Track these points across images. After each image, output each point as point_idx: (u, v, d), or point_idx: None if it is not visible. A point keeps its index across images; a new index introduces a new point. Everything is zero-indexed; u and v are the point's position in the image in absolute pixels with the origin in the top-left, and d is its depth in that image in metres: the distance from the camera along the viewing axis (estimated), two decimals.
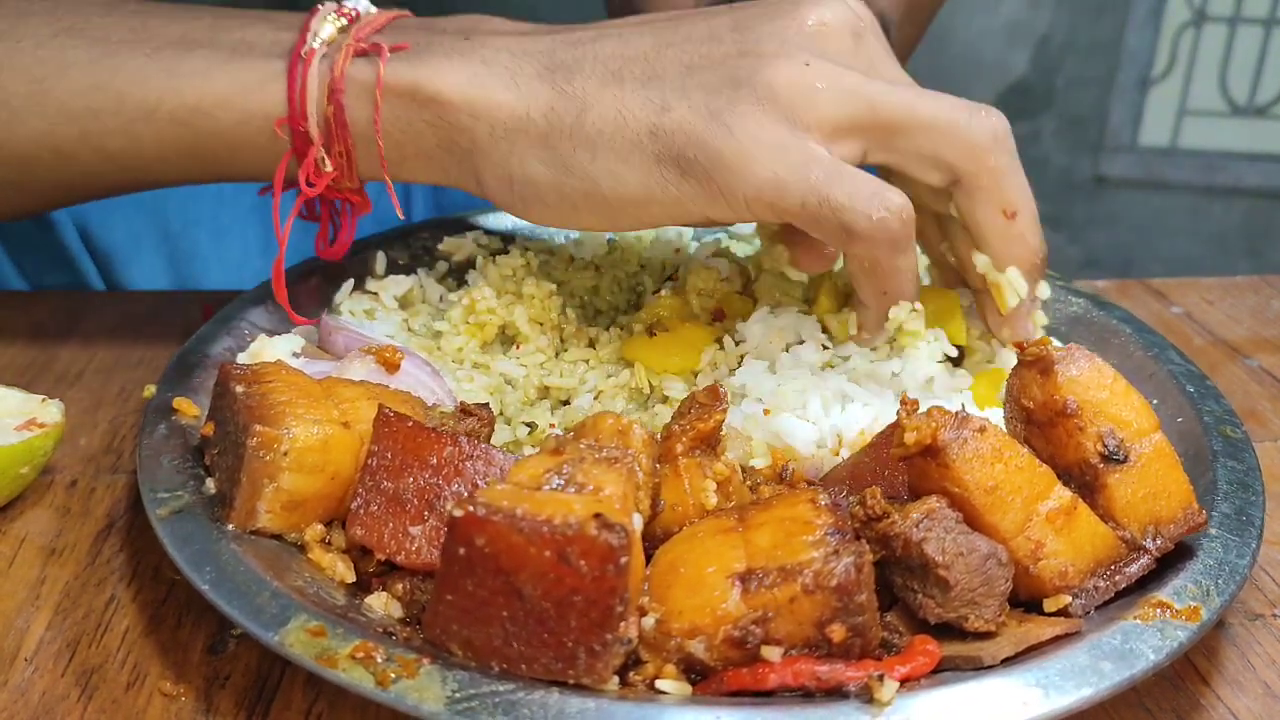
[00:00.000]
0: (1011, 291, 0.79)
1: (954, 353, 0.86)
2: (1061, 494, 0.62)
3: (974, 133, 0.75)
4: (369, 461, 0.63)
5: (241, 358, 0.82)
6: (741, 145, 0.72)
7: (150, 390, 0.77)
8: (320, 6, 0.83)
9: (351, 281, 0.93)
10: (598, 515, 0.52)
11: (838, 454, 0.75)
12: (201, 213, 1.23)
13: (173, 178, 0.89)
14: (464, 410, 0.71)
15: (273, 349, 0.82)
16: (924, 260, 0.91)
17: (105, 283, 1.21)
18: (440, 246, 1.00)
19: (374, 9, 0.84)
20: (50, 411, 0.76)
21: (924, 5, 1.17)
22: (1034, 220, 0.78)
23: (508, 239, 1.03)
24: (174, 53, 0.82)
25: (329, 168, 0.82)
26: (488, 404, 0.72)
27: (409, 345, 0.86)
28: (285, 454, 0.63)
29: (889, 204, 0.72)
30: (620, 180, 0.76)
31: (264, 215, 1.25)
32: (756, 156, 0.72)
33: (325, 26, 0.81)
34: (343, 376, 0.75)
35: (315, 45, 0.81)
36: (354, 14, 0.83)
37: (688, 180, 0.74)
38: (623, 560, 0.52)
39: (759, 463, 0.75)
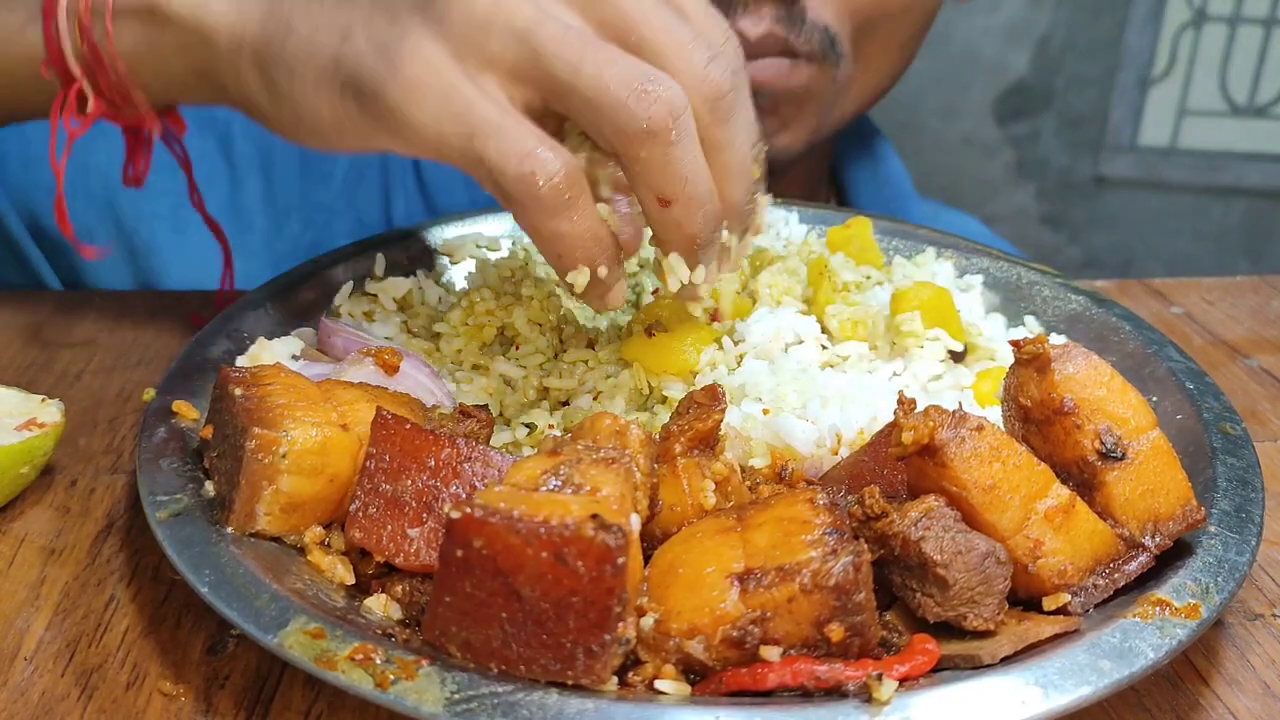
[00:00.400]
0: (673, 276, 0.75)
1: (959, 348, 0.86)
2: (1060, 492, 0.62)
3: (627, 120, 0.66)
4: (367, 464, 0.63)
5: (241, 361, 0.82)
6: (405, 87, 0.67)
7: (150, 393, 0.77)
8: None
9: (351, 283, 0.93)
10: (595, 516, 0.52)
11: (837, 453, 0.75)
12: (159, 208, 1.22)
13: None
14: (463, 412, 0.71)
15: (271, 351, 0.82)
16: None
17: (60, 279, 1.21)
18: (439, 248, 1.00)
19: None
20: (50, 411, 0.76)
21: (887, 18, 1.15)
22: (693, 206, 0.70)
23: (507, 240, 1.03)
24: None
25: (92, 105, 0.82)
26: (486, 406, 0.72)
27: (408, 347, 0.86)
28: (284, 456, 0.63)
29: (537, 166, 0.66)
30: (315, 109, 0.73)
31: (234, 210, 1.25)
32: (419, 101, 0.67)
33: None
34: (341, 379, 0.75)
35: None
36: None
37: (365, 115, 0.70)
38: (620, 561, 0.52)
39: (758, 462, 0.75)
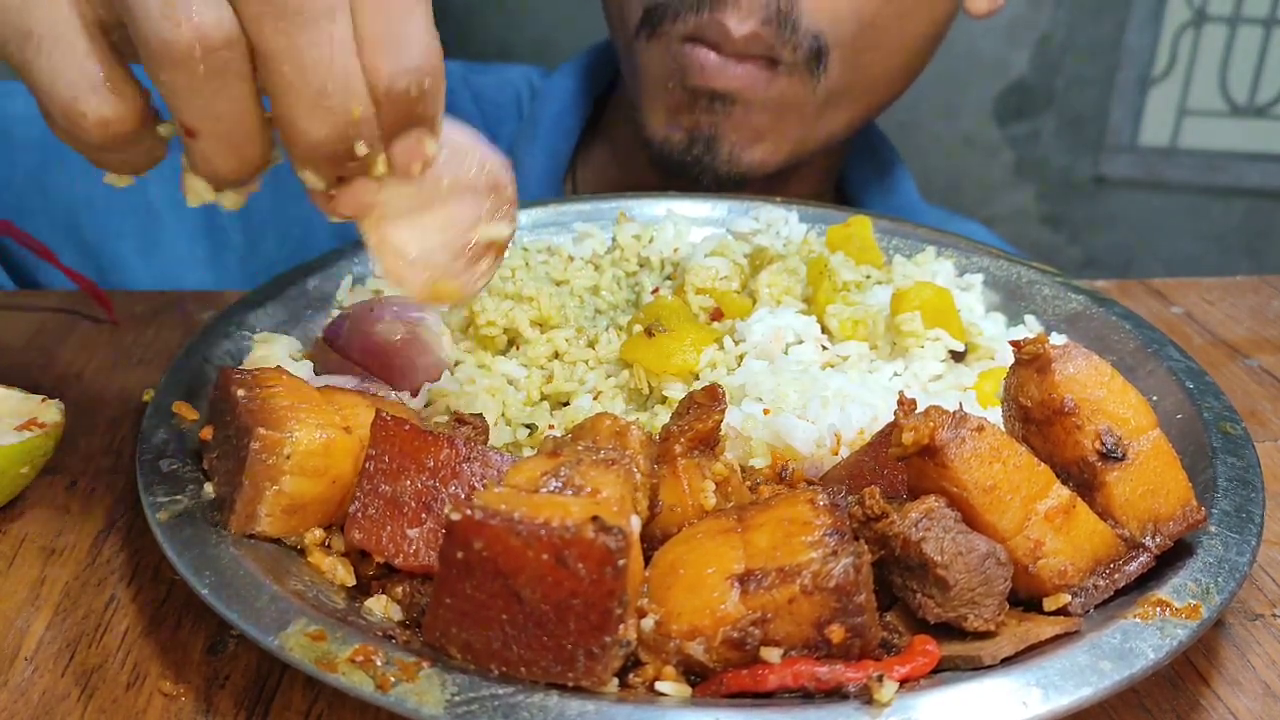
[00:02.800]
0: (192, 193, 0.63)
1: (959, 347, 0.86)
2: (1060, 492, 0.62)
3: (151, 36, 0.55)
4: (366, 465, 0.63)
5: (246, 362, 0.82)
6: None
7: (149, 394, 0.77)
8: None
9: (350, 277, 0.93)
10: (595, 518, 0.52)
11: (837, 454, 0.75)
12: (125, 226, 1.21)
13: None
14: (458, 420, 0.71)
15: (272, 351, 0.82)
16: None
17: (17, 284, 1.20)
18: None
19: None
20: (50, 411, 0.76)
21: (886, 28, 1.13)
22: (222, 144, 0.59)
23: None
24: None
25: None
26: (481, 414, 0.72)
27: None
28: (288, 457, 0.63)
29: (89, 109, 0.57)
30: None
31: (210, 229, 1.24)
32: None
33: None
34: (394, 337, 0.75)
35: None
36: None
37: None
38: (620, 563, 0.52)
39: (758, 462, 0.75)
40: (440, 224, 0.65)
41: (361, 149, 0.60)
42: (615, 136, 1.35)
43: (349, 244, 0.99)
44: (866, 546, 0.57)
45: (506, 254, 0.70)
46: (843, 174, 1.41)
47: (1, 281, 1.20)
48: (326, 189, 0.63)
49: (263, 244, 1.27)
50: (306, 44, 0.56)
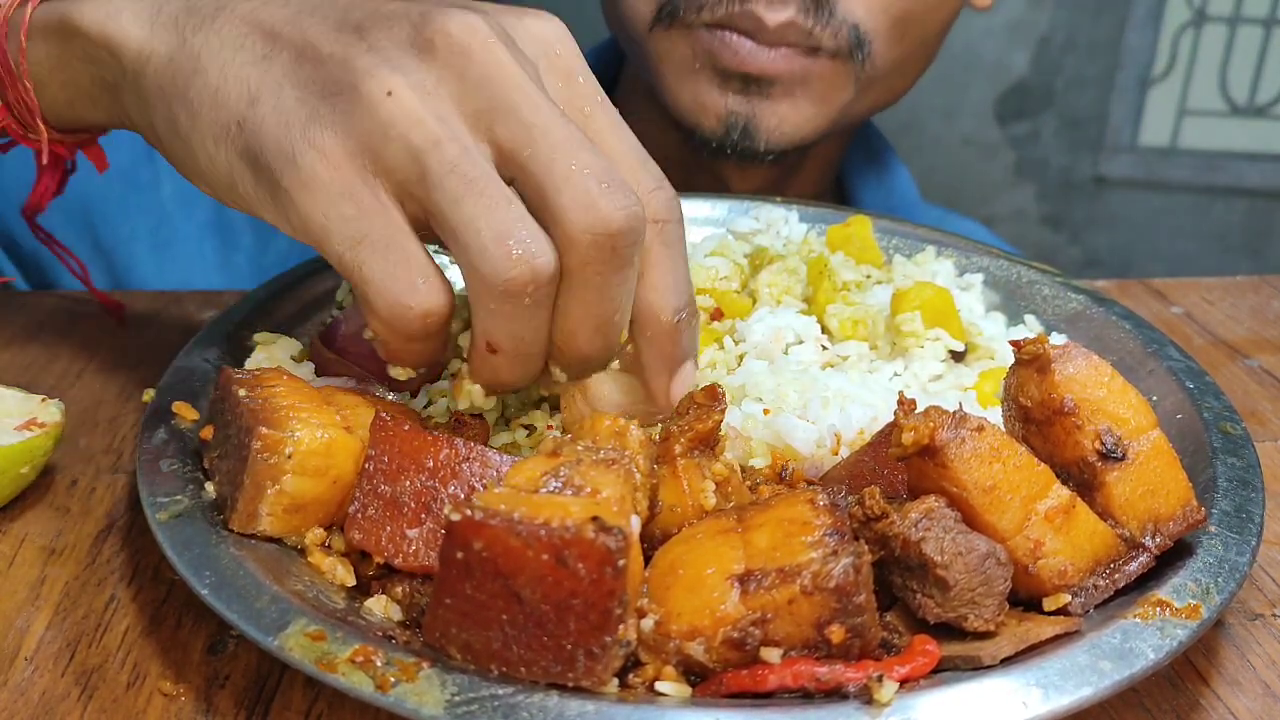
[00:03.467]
0: (465, 399, 0.71)
1: (959, 347, 0.86)
2: (1060, 492, 0.62)
3: (488, 271, 0.63)
4: (366, 465, 0.63)
5: (249, 364, 0.82)
6: (302, 177, 0.64)
7: (150, 394, 0.77)
8: None
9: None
10: (595, 518, 0.52)
11: (837, 454, 0.75)
12: (138, 227, 1.21)
13: None
14: (458, 420, 0.71)
15: (273, 353, 0.82)
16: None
17: (32, 286, 1.21)
18: (439, 248, 1.00)
19: None
20: (50, 411, 0.76)
21: (917, 19, 1.14)
22: (518, 362, 0.68)
23: None
24: None
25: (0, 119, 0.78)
26: (481, 415, 0.72)
27: None
28: (289, 457, 0.63)
29: (416, 302, 0.64)
30: (211, 160, 0.69)
31: (220, 229, 1.24)
32: (313, 194, 0.64)
33: None
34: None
35: None
36: None
37: (260, 187, 0.67)
38: (620, 563, 0.52)
39: (758, 462, 0.75)
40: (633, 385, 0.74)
41: (615, 365, 0.72)
42: None
43: None
44: (866, 547, 0.57)
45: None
46: (840, 169, 1.41)
47: (16, 282, 1.21)
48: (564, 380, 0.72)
49: (274, 244, 1.27)
50: (614, 282, 0.65)
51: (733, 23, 1.09)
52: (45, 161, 0.83)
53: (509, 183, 0.64)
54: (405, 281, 0.64)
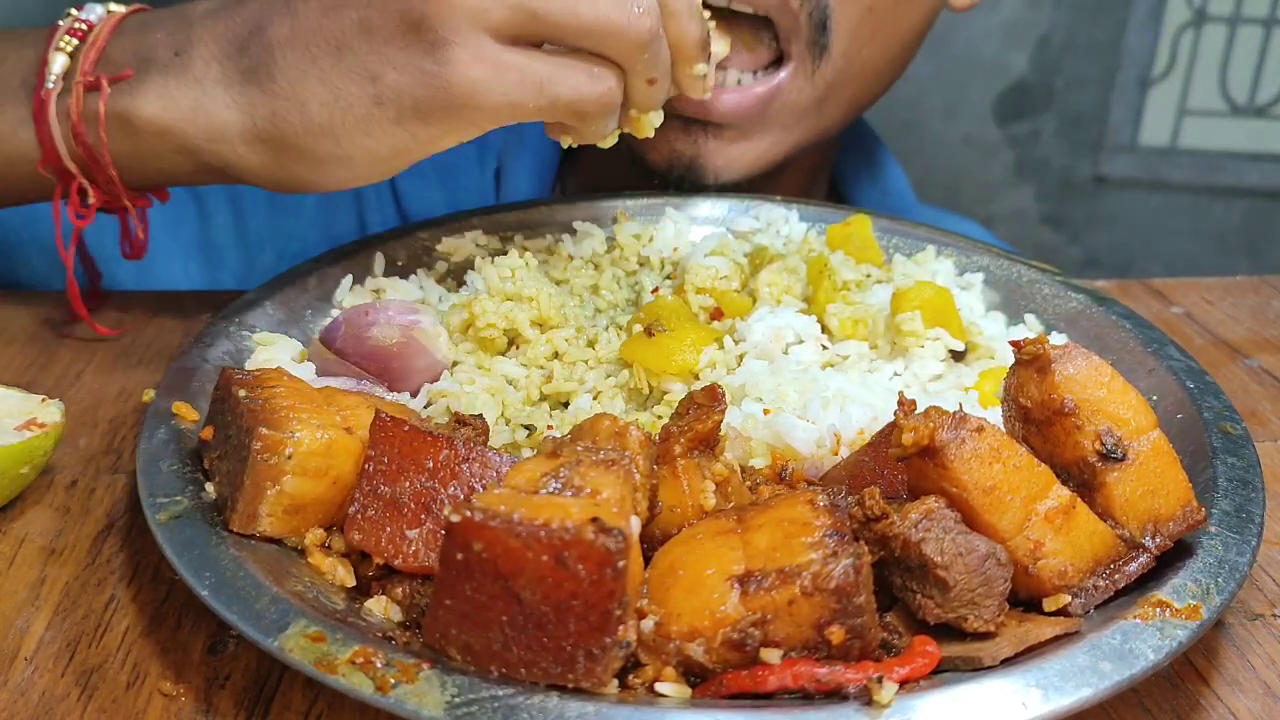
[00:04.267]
0: (645, 121, 0.90)
1: (960, 347, 0.86)
2: (1060, 493, 0.62)
3: (635, 38, 0.81)
4: (366, 466, 0.63)
5: (249, 364, 0.82)
6: (467, 82, 0.78)
7: (150, 394, 0.77)
8: (60, 23, 0.87)
9: (350, 277, 0.93)
10: (595, 519, 0.52)
11: (837, 454, 0.75)
12: (120, 251, 1.22)
13: None
14: (458, 420, 0.71)
15: (273, 354, 0.82)
16: None
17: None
18: (439, 247, 1.00)
19: (104, 11, 0.88)
20: (50, 411, 0.76)
21: (887, 15, 1.09)
22: (666, 78, 0.87)
23: (506, 239, 1.03)
24: None
25: (93, 198, 0.88)
26: (481, 415, 0.72)
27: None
28: (289, 457, 0.63)
29: (602, 83, 0.81)
30: (372, 149, 0.81)
31: (205, 246, 1.24)
32: (483, 88, 0.78)
33: (58, 58, 0.86)
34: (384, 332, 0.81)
35: (51, 84, 0.85)
36: (85, 29, 0.87)
37: (433, 124, 0.80)
38: (620, 564, 0.52)
39: (758, 463, 0.75)
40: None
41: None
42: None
43: (350, 244, 0.99)
44: (866, 547, 0.57)
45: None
46: (834, 170, 1.40)
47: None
48: (705, 74, 0.91)
49: (259, 260, 1.27)
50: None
51: None
52: (140, 233, 0.94)
53: None
54: (589, 76, 0.81)
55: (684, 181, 1.11)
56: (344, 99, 0.80)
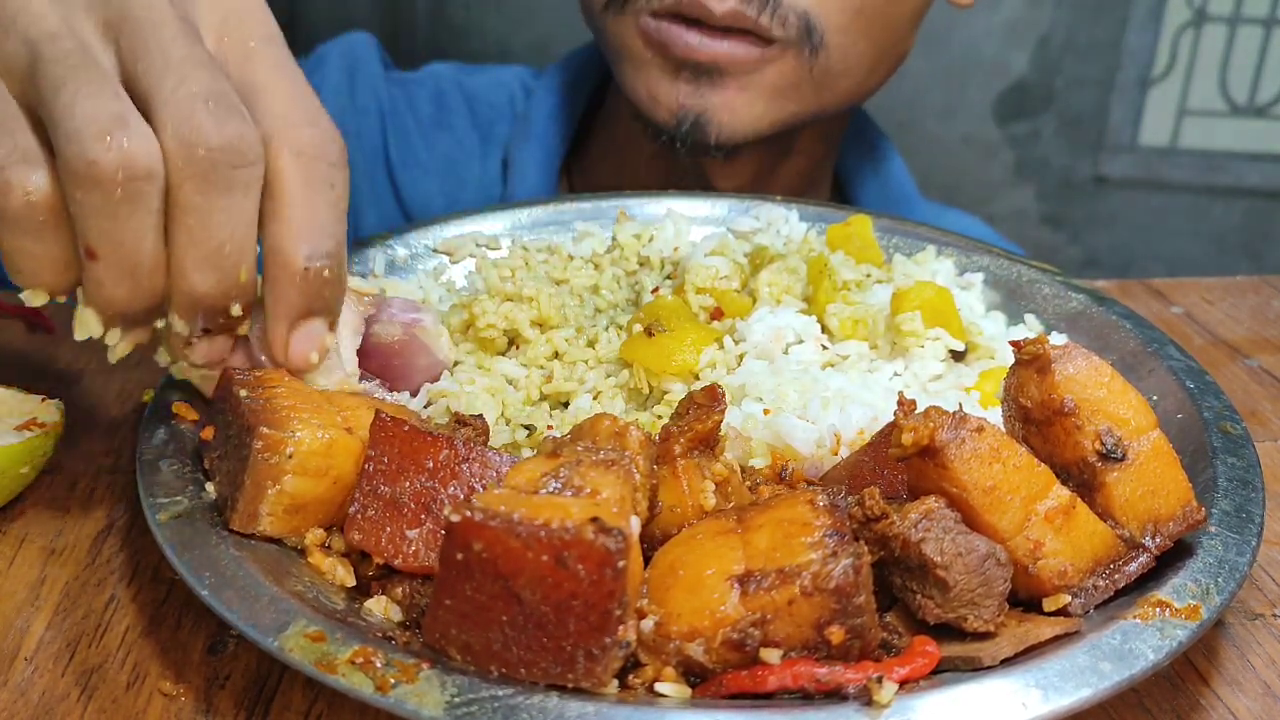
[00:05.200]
0: (81, 328, 0.67)
1: (960, 347, 0.86)
2: (1060, 493, 0.62)
3: (76, 156, 0.59)
4: (366, 466, 0.63)
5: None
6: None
7: (149, 394, 0.77)
8: None
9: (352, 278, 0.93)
10: (595, 519, 0.52)
11: (837, 454, 0.75)
12: None
13: None
14: (459, 421, 0.71)
15: None
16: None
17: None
18: (439, 246, 1.00)
19: None
20: (50, 411, 0.76)
21: (878, 12, 1.12)
22: (119, 273, 0.63)
23: (506, 238, 1.03)
24: None
25: None
26: (481, 415, 0.72)
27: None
28: (290, 457, 0.63)
29: (16, 177, 0.61)
30: None
31: None
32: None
33: None
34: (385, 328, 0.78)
35: None
36: None
37: None
38: (620, 564, 0.52)
39: (758, 463, 0.75)
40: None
41: (236, 310, 0.67)
42: (610, 133, 1.35)
43: (348, 244, 0.99)
44: (866, 547, 0.57)
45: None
46: (837, 164, 1.41)
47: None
48: (188, 337, 0.68)
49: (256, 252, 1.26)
50: (218, 207, 0.62)
51: (679, 10, 1.09)
52: None
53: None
54: (7, 161, 0.60)
55: (690, 139, 1.13)
56: None
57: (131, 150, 0.59)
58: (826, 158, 1.37)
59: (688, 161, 1.22)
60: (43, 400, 0.77)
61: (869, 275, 0.94)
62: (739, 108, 1.12)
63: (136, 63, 0.61)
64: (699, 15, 1.08)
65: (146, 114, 0.61)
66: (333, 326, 0.70)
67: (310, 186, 0.65)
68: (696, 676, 0.57)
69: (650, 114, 1.15)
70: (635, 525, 0.57)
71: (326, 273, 0.67)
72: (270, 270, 0.66)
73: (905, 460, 0.62)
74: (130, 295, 0.64)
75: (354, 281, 0.76)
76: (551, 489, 0.57)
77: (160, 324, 0.69)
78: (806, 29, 1.09)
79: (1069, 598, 0.61)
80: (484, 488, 0.63)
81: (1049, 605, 0.61)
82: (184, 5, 0.65)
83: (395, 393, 0.82)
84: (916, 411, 0.62)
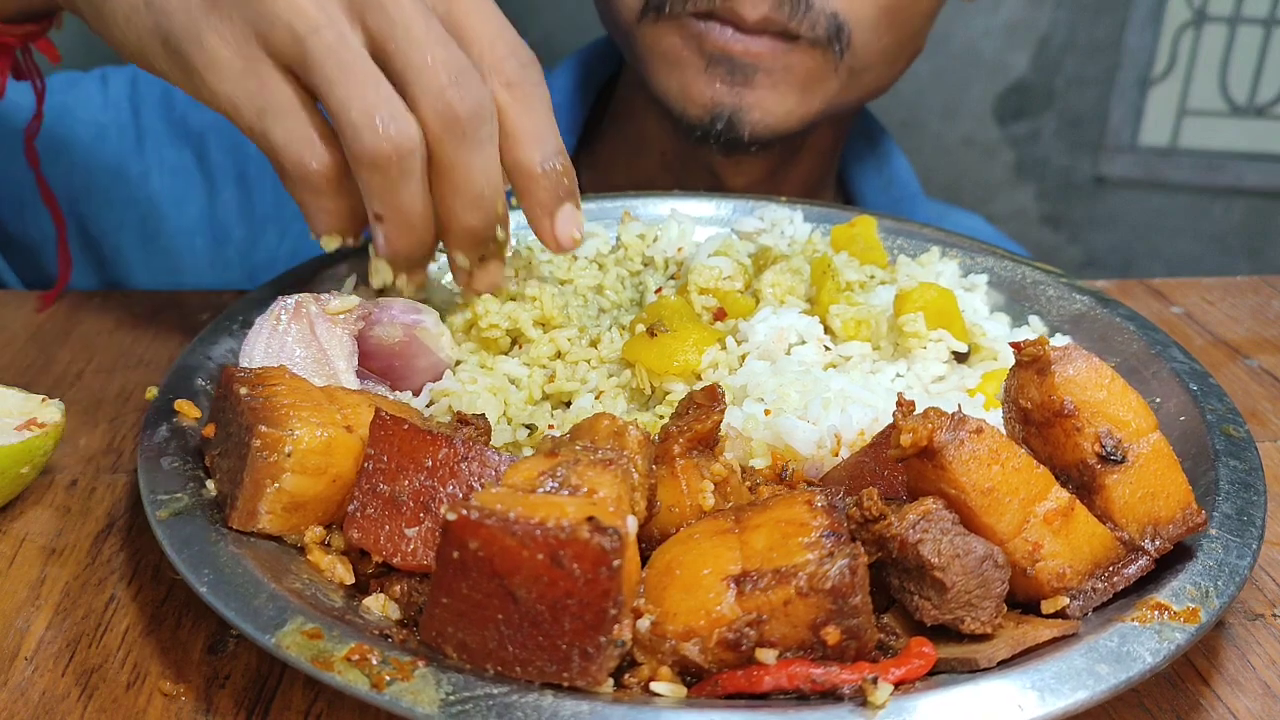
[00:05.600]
0: (376, 276, 0.83)
1: (963, 348, 0.86)
2: (1059, 495, 0.61)
3: (358, 145, 0.73)
4: (365, 464, 0.63)
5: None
6: (208, 58, 0.74)
7: (152, 392, 0.77)
8: None
9: (355, 276, 0.93)
10: (591, 518, 0.52)
11: (838, 455, 0.75)
12: (127, 217, 1.23)
13: None
14: (460, 419, 0.71)
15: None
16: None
17: (24, 283, 1.21)
18: (440, 246, 1.00)
19: None
20: (50, 411, 0.76)
21: (904, 8, 1.15)
22: (404, 229, 0.78)
23: (511, 238, 1.02)
24: None
25: None
26: (483, 415, 0.72)
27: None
28: (289, 455, 0.63)
29: (311, 154, 0.75)
30: (124, 36, 0.78)
31: (211, 222, 1.25)
32: (220, 72, 0.74)
33: None
34: (380, 326, 0.80)
35: None
36: None
37: (173, 64, 0.76)
38: (615, 563, 0.52)
39: (759, 463, 0.75)
40: None
41: (500, 234, 0.82)
42: (620, 131, 1.35)
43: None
44: (864, 548, 0.57)
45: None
46: (841, 162, 1.41)
47: (11, 284, 1.21)
48: (469, 268, 0.83)
49: (263, 239, 1.27)
50: (473, 159, 0.75)
51: (715, 14, 1.11)
52: (37, 77, 0.89)
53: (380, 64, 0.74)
54: (305, 141, 0.74)
55: (724, 136, 1.16)
56: None
57: (400, 135, 0.72)
58: (834, 154, 1.37)
59: (703, 159, 1.23)
60: (43, 400, 0.77)
61: (872, 276, 0.94)
62: (771, 103, 1.15)
63: (386, 41, 0.73)
64: (732, 20, 1.11)
65: (400, 85, 0.73)
66: (578, 205, 0.83)
67: (526, 107, 0.78)
68: (692, 676, 0.57)
69: (684, 112, 1.17)
70: (632, 525, 0.56)
71: (559, 166, 0.80)
72: (518, 183, 0.80)
73: (904, 461, 0.62)
74: (412, 244, 0.79)
75: (333, 304, 0.81)
76: (549, 488, 0.57)
77: (434, 265, 0.87)
78: (836, 29, 1.12)
79: (1067, 600, 0.61)
80: (483, 487, 0.63)
81: (1047, 607, 0.61)
82: None
83: (398, 392, 0.82)
84: (915, 413, 0.62)
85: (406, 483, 0.63)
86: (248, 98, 0.74)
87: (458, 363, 0.86)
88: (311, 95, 0.74)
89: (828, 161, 1.37)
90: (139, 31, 0.76)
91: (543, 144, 0.79)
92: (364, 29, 0.74)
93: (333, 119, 0.73)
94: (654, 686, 0.56)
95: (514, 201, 0.85)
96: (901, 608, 0.60)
